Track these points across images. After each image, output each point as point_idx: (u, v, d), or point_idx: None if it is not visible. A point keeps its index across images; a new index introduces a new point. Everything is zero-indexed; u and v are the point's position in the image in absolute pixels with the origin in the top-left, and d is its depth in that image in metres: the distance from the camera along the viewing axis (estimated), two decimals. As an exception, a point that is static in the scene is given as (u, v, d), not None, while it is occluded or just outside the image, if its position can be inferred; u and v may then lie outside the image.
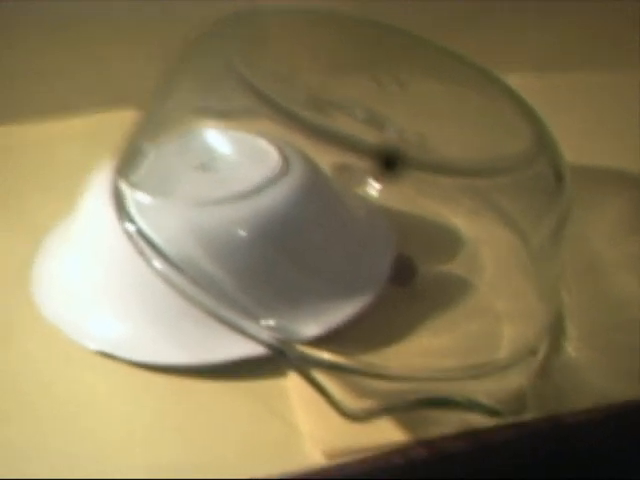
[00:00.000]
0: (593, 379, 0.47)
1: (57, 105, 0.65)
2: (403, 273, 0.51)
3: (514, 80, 0.52)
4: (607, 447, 0.45)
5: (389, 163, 0.45)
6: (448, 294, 0.52)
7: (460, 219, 0.56)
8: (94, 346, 0.47)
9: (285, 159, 0.50)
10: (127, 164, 0.50)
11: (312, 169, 0.50)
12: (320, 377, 0.41)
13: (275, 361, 0.45)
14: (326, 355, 0.42)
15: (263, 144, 0.50)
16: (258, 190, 0.48)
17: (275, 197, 0.48)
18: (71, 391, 0.46)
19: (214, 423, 0.44)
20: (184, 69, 0.49)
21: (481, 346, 0.48)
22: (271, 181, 0.48)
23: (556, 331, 0.49)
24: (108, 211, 0.47)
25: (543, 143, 0.49)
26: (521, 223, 0.54)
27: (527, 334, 0.48)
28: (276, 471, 0.41)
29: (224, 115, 0.49)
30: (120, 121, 0.50)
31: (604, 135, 0.64)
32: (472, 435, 0.43)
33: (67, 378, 0.46)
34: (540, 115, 0.50)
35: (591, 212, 0.54)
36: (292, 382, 0.45)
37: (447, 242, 0.55)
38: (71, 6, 0.63)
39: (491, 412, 0.43)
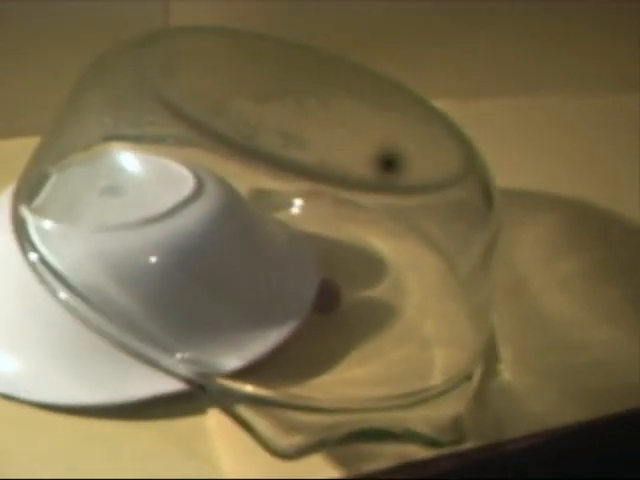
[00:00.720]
0: (531, 403, 0.44)
1: None
2: (327, 299, 0.48)
3: (442, 105, 0.50)
4: (550, 473, 0.42)
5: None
6: (374, 320, 0.48)
7: (383, 243, 0.53)
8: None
9: (199, 182, 0.46)
10: (29, 189, 0.45)
11: (228, 193, 0.46)
12: (245, 413, 0.37)
13: (193, 398, 0.41)
14: (250, 388, 0.38)
15: (175, 167, 0.46)
16: (169, 214, 0.43)
17: (187, 221, 0.44)
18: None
19: (128, 469, 0.39)
20: (92, 86, 0.45)
21: (412, 373, 0.45)
22: (183, 204, 0.44)
23: (489, 355, 0.46)
24: (7, 239, 0.43)
25: (472, 165, 0.46)
26: (447, 247, 0.51)
27: (459, 359, 0.45)
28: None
29: (136, 135, 0.44)
30: (17, 149, 0.46)
31: (531, 158, 0.62)
32: (411, 468, 0.39)
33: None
34: (468, 137, 0.47)
35: (518, 234, 0.52)
36: (213, 420, 0.41)
37: (370, 266, 0.52)
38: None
39: (430, 442, 0.39)
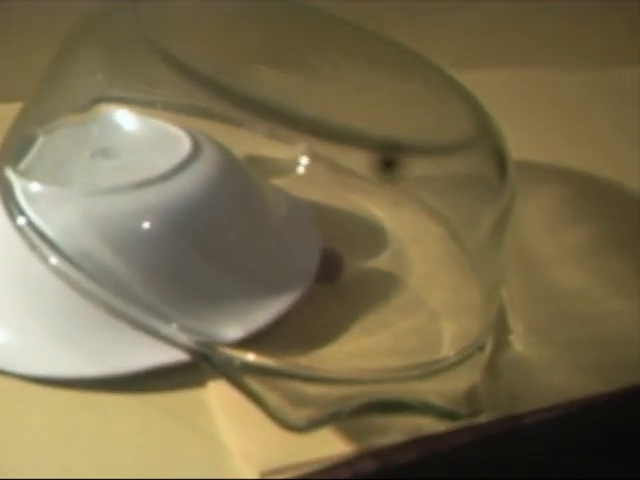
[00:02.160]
0: (544, 375, 0.41)
1: None
2: (329, 269, 0.45)
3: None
4: (569, 446, 0.39)
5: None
6: (377, 290, 0.45)
7: (383, 212, 0.50)
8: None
9: (196, 144, 0.42)
10: (14, 152, 0.41)
11: (226, 156, 0.43)
12: (253, 384, 0.34)
13: (191, 370, 0.38)
14: (257, 358, 0.35)
15: (171, 129, 0.43)
16: (165, 176, 0.40)
17: (184, 184, 0.40)
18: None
19: (127, 444, 0.36)
20: (83, 42, 0.41)
21: (421, 344, 0.42)
22: (179, 167, 0.40)
23: (499, 326, 0.43)
24: None
25: (484, 130, 0.43)
26: (452, 217, 0.48)
27: (469, 330, 0.42)
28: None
29: (129, 96, 0.41)
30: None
31: (539, 128, 0.59)
32: (425, 442, 0.36)
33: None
34: (482, 105, 0.44)
35: (522, 205, 0.49)
36: (213, 393, 0.38)
37: (371, 236, 0.49)
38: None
39: (445, 414, 0.36)
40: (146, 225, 0.39)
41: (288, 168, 0.50)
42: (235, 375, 0.34)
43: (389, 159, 0.42)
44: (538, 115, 0.60)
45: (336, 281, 0.45)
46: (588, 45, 0.66)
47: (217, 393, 0.37)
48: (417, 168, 0.44)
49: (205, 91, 0.38)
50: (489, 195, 0.44)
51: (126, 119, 0.43)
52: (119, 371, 0.38)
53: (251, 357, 0.34)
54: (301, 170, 0.50)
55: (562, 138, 0.58)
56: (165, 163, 0.41)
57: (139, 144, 0.43)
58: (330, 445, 0.36)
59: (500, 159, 0.43)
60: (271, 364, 0.35)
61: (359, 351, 0.40)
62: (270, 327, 0.40)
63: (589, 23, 0.66)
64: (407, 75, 0.45)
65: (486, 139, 0.43)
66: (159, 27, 0.39)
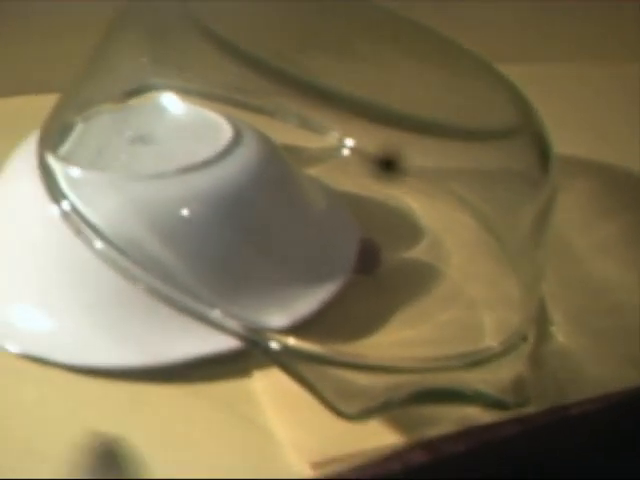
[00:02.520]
0: (588, 366, 0.40)
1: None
2: (367, 260, 0.44)
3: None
4: (610, 436, 0.39)
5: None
6: (415, 281, 0.44)
7: (417, 203, 0.49)
8: (17, 349, 0.37)
9: (237, 132, 0.41)
10: (54, 139, 0.40)
11: (267, 144, 0.42)
12: (307, 372, 0.33)
13: (237, 360, 0.37)
14: (311, 346, 0.34)
15: (212, 116, 0.42)
16: (208, 163, 0.39)
17: (228, 170, 0.39)
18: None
19: (174, 436, 0.35)
20: (128, 25, 0.40)
21: (463, 335, 0.41)
22: (223, 154, 0.40)
23: (540, 317, 0.43)
24: (31, 189, 0.38)
25: (527, 121, 0.42)
26: (485, 209, 0.47)
27: (510, 320, 0.41)
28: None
29: (172, 83, 0.40)
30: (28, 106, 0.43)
31: (573, 123, 0.58)
32: (474, 433, 0.36)
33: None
34: (526, 96, 0.43)
35: (560, 198, 0.49)
36: (259, 383, 0.37)
37: (406, 227, 0.48)
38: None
39: (495, 404, 0.36)
40: (191, 210, 0.38)
41: (319, 158, 0.50)
42: (287, 362, 0.33)
43: (389, 159, 0.41)
44: (565, 109, 0.60)
45: (374, 272, 0.44)
46: (617, 39, 0.65)
47: (263, 383, 0.37)
48: (452, 158, 0.44)
49: (252, 73, 0.37)
50: (529, 189, 0.43)
51: (165, 106, 0.42)
52: (164, 360, 0.37)
53: (303, 344, 0.34)
54: (332, 160, 0.50)
55: (589, 132, 0.58)
56: (207, 150, 0.40)
57: (178, 131, 0.42)
58: (380, 436, 0.35)
59: (543, 151, 0.42)
60: (323, 352, 0.34)
61: (402, 341, 0.40)
62: (312, 317, 0.40)
63: (618, 17, 0.66)
64: (448, 62, 0.44)
65: (529, 129, 0.42)
66: (206, 9, 0.38)
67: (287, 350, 0.33)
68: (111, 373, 0.37)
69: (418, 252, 0.46)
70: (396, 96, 0.42)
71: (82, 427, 0.35)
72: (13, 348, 0.37)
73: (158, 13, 0.40)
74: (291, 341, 0.34)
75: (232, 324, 0.34)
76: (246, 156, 0.40)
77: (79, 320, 0.37)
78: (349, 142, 0.47)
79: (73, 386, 0.36)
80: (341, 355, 0.34)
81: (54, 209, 0.37)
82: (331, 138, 0.49)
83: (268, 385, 0.37)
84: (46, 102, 0.42)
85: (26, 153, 0.41)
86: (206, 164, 0.39)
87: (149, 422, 0.35)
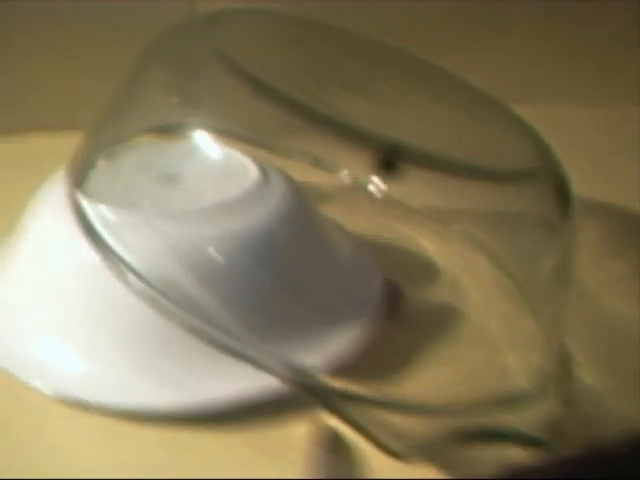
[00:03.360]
0: (615, 404, 0.40)
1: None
2: (390, 302, 0.44)
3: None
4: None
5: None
6: (437, 322, 0.44)
7: (428, 242, 0.49)
8: (53, 391, 0.36)
9: (263, 172, 0.41)
10: (80, 176, 0.39)
11: (293, 185, 0.42)
12: (356, 414, 0.32)
13: (274, 405, 0.36)
14: (359, 388, 0.33)
15: (237, 155, 0.42)
16: (238, 202, 0.39)
17: (258, 210, 0.39)
18: (30, 446, 0.34)
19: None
20: (149, 67, 0.40)
21: (492, 375, 0.41)
22: (250, 193, 0.40)
23: (562, 357, 0.43)
24: (62, 226, 0.38)
25: (546, 162, 0.42)
26: (500, 250, 0.47)
27: (533, 360, 0.41)
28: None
29: (201, 112, 0.39)
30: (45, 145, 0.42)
31: (583, 164, 0.59)
32: (516, 473, 0.35)
33: (21, 432, 0.35)
34: (542, 137, 0.43)
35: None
36: (300, 428, 0.36)
37: (421, 266, 0.48)
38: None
39: (535, 443, 0.35)
40: (223, 249, 0.37)
41: (330, 197, 0.49)
42: (336, 404, 0.32)
43: (389, 159, 0.41)
44: (572, 150, 0.61)
45: (396, 313, 0.44)
46: (626, 82, 0.66)
47: (304, 427, 0.36)
48: (468, 199, 0.44)
49: (276, 109, 0.37)
50: (549, 232, 0.42)
51: (190, 144, 0.41)
52: (202, 403, 0.36)
53: (350, 387, 0.33)
54: (343, 199, 0.49)
55: (598, 173, 0.59)
56: (234, 189, 0.40)
57: (204, 170, 0.41)
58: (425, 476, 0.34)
59: (562, 193, 0.41)
60: (370, 394, 0.33)
61: (434, 381, 0.39)
62: (344, 359, 0.39)
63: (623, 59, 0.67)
64: (465, 104, 0.45)
65: (548, 170, 0.42)
66: (233, 44, 0.38)
67: (334, 392, 0.33)
68: (148, 417, 0.35)
69: (436, 292, 0.46)
70: (413, 135, 0.42)
71: (112, 471, 0.33)
72: (46, 389, 0.36)
73: (185, 50, 0.39)
74: (337, 383, 0.33)
75: (276, 365, 0.33)
76: (274, 196, 0.40)
77: (114, 361, 0.36)
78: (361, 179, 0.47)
79: (107, 430, 0.35)
80: (387, 398, 0.34)
81: (86, 247, 0.36)
82: (342, 176, 0.49)
83: (310, 429, 0.36)
84: (71, 139, 0.41)
85: (54, 190, 0.40)
86: (236, 203, 0.39)
87: (187, 465, 0.34)
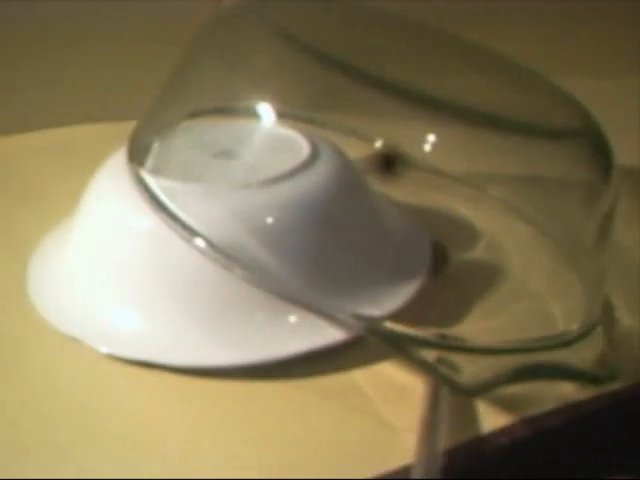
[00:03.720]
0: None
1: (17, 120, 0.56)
2: (437, 261, 0.46)
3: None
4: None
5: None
6: (482, 279, 0.46)
7: (465, 208, 0.51)
8: (122, 355, 0.38)
9: (314, 145, 0.43)
10: (140, 156, 0.42)
11: (342, 157, 0.44)
12: (422, 354, 0.35)
13: (334, 357, 0.39)
14: (420, 331, 0.36)
15: (288, 132, 0.44)
16: (293, 173, 0.41)
17: (313, 179, 0.41)
18: (109, 409, 0.36)
19: (291, 431, 0.36)
20: (203, 48, 0.42)
21: (537, 323, 0.43)
22: (305, 167, 0.42)
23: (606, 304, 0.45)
24: (123, 202, 0.40)
25: (588, 125, 0.42)
26: (537, 215, 0.49)
27: (578, 309, 0.43)
28: (379, 471, 0.34)
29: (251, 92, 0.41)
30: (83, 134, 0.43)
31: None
32: (571, 409, 0.37)
33: (97, 395, 0.37)
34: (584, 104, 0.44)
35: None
36: (362, 375, 0.38)
37: (460, 230, 0.50)
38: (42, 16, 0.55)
39: (591, 379, 0.38)
40: (283, 216, 0.39)
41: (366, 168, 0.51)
42: (405, 347, 0.35)
43: (389, 158, 0.43)
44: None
45: (443, 272, 0.46)
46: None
47: (365, 374, 0.38)
48: (503, 162, 0.45)
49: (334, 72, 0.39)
50: (590, 195, 0.43)
51: (242, 123, 0.44)
52: (267, 357, 0.38)
53: (415, 330, 0.35)
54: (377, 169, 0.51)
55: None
56: (288, 163, 0.42)
57: (258, 146, 0.44)
58: (487, 417, 0.37)
59: (603, 156, 0.42)
60: (432, 336, 0.36)
61: (487, 329, 0.41)
62: (400, 312, 0.41)
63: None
64: (505, 73, 0.46)
65: (589, 133, 0.43)
66: (288, 20, 0.40)
67: (402, 336, 0.35)
68: (216, 373, 0.38)
69: (478, 253, 0.48)
70: (453, 96, 0.43)
71: (190, 426, 0.36)
72: (115, 352, 0.38)
73: (237, 28, 0.41)
74: (403, 328, 0.35)
75: (344, 315, 0.36)
76: (324, 167, 0.42)
77: (183, 321, 0.39)
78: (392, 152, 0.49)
79: (180, 387, 0.37)
80: (449, 340, 0.36)
81: (150, 219, 0.39)
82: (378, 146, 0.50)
83: (370, 376, 0.38)
84: (120, 129, 0.44)
85: (114, 167, 0.42)
86: (290, 175, 0.41)
87: (260, 417, 0.36)
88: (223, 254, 0.36)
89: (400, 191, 0.51)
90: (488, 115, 0.41)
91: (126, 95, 0.51)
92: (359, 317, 0.36)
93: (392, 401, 0.37)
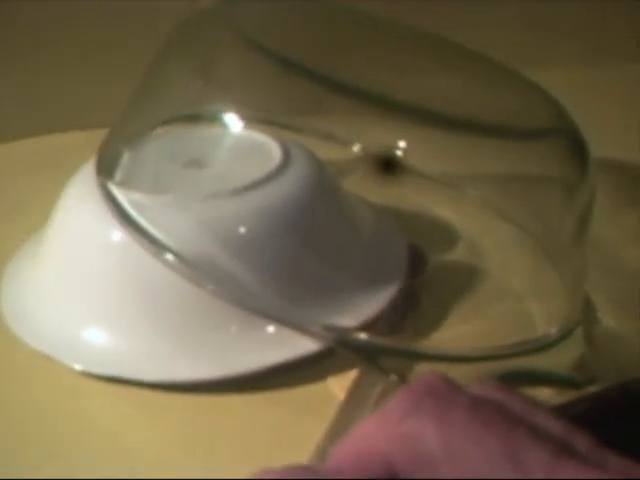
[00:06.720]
0: (636, 343, 0.41)
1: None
2: (415, 264, 0.44)
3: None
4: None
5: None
6: (461, 281, 0.45)
7: (444, 209, 0.50)
8: (97, 370, 0.37)
9: (286, 151, 0.42)
10: (109, 167, 0.40)
11: (316, 162, 0.43)
12: (396, 366, 0.33)
13: (309, 365, 0.37)
14: (393, 341, 0.34)
15: (260, 137, 0.42)
16: (264, 181, 0.40)
17: (284, 187, 0.40)
18: (78, 426, 0.36)
19: (263, 440, 0.35)
20: (171, 56, 0.40)
21: (516, 326, 0.42)
22: (277, 173, 0.40)
23: (585, 304, 0.43)
24: (92, 216, 0.39)
25: (563, 122, 0.41)
26: (516, 212, 0.48)
27: (558, 310, 0.42)
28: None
29: (223, 97, 0.40)
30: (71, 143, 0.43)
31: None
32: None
33: (70, 411, 0.36)
34: (557, 100, 0.43)
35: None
36: (338, 384, 0.37)
37: (439, 231, 0.49)
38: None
39: (569, 383, 0.36)
40: (254, 225, 0.38)
41: (344, 171, 0.50)
42: (375, 357, 0.33)
43: (389, 159, 0.42)
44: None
45: (420, 275, 0.45)
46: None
47: (342, 383, 0.37)
48: (481, 162, 0.44)
49: (303, 84, 0.37)
50: (567, 191, 0.42)
51: (213, 130, 0.43)
52: (240, 371, 0.37)
53: (387, 340, 0.34)
54: (357, 172, 0.50)
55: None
56: (259, 169, 0.40)
57: (230, 153, 0.42)
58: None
59: (580, 152, 0.41)
60: (406, 346, 0.34)
61: (464, 335, 0.40)
62: (374, 319, 0.40)
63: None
64: (479, 71, 0.45)
65: (564, 130, 0.42)
66: (253, 25, 0.39)
67: (372, 346, 0.34)
68: (185, 388, 0.36)
69: (457, 254, 0.47)
70: (427, 100, 0.42)
71: (162, 441, 0.35)
72: (89, 368, 0.37)
73: (205, 34, 0.40)
74: (378, 339, 0.34)
75: (315, 327, 0.34)
76: (297, 172, 0.41)
77: (150, 338, 0.37)
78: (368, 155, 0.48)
79: (148, 403, 0.36)
80: (424, 349, 0.35)
81: (119, 233, 0.37)
82: (352, 151, 0.49)
83: (344, 386, 0.37)
84: (96, 136, 0.42)
85: (83, 181, 0.41)
86: (262, 182, 0.39)
87: (234, 430, 0.35)
88: (192, 269, 0.35)
89: (380, 194, 0.50)
90: (463, 116, 0.40)
91: (101, 102, 0.49)
92: (330, 328, 0.34)
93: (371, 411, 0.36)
